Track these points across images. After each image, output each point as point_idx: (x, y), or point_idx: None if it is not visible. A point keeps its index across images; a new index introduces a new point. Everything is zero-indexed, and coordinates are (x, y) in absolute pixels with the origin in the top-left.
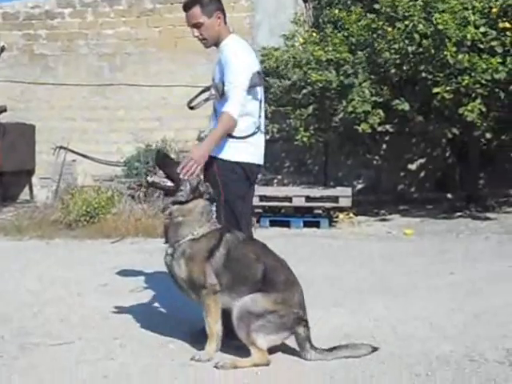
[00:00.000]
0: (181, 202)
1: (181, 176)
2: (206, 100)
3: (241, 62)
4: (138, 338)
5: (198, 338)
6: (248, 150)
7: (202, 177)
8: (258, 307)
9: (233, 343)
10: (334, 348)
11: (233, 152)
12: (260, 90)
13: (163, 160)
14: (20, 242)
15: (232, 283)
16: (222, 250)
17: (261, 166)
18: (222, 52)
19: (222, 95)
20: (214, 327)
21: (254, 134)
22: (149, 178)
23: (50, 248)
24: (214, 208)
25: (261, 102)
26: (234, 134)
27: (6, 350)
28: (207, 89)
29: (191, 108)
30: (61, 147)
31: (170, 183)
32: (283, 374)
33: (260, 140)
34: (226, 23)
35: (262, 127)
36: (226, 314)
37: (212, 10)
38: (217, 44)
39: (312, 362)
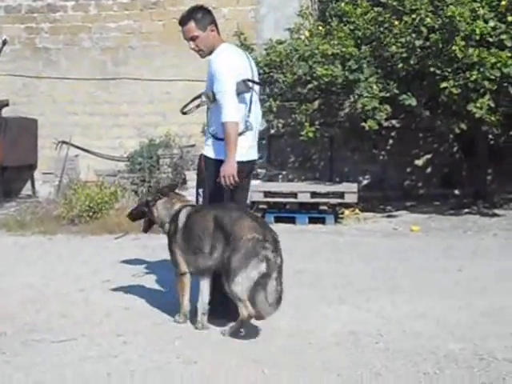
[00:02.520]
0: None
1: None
2: (198, 106)
3: (227, 70)
4: (143, 334)
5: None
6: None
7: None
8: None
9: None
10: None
11: (217, 151)
12: (248, 95)
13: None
14: (22, 237)
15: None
16: (182, 217)
17: (251, 161)
18: (211, 63)
19: (213, 101)
20: (185, 301)
21: (242, 133)
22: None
23: (53, 243)
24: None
25: (251, 103)
26: (218, 135)
27: (9, 346)
28: (199, 96)
29: (184, 113)
30: (63, 142)
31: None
32: (289, 373)
33: (249, 138)
34: (219, 34)
35: (253, 125)
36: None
37: (206, 24)
38: (211, 54)
39: (318, 363)
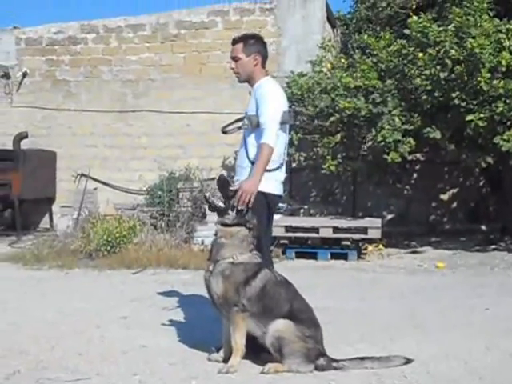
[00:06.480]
0: (226, 225)
1: (238, 207)
2: (239, 128)
3: (276, 99)
4: (159, 373)
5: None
6: (273, 182)
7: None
8: (290, 333)
9: (261, 356)
10: (363, 358)
11: (268, 184)
12: (287, 129)
13: (223, 183)
14: (39, 271)
15: (261, 313)
16: (259, 282)
17: (281, 196)
18: (258, 89)
19: (255, 126)
20: (240, 342)
21: (279, 167)
22: (206, 194)
23: (70, 278)
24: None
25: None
26: (269, 167)
27: None
28: (241, 119)
29: (224, 132)
30: (82, 175)
31: (220, 204)
32: None
33: (283, 172)
34: (264, 67)
35: (285, 159)
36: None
37: (252, 51)
38: (249, 82)
39: None
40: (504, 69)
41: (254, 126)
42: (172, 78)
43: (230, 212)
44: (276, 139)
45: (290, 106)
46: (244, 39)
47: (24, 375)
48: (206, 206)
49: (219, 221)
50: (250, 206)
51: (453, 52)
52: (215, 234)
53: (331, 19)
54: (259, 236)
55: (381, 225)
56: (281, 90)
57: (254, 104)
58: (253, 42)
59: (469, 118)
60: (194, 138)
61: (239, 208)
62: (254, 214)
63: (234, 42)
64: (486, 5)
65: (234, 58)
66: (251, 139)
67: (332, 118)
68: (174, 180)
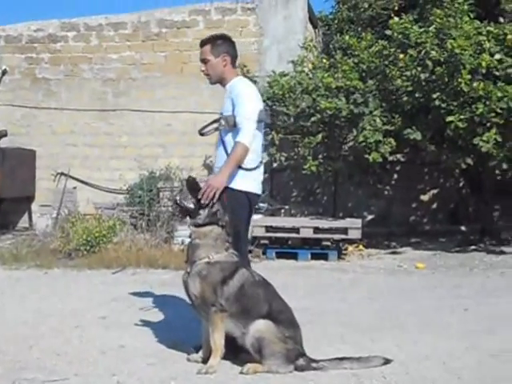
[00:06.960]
0: (199, 225)
1: (201, 201)
2: (216, 129)
3: (252, 99)
4: (138, 374)
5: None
6: (251, 181)
7: (219, 204)
8: (271, 334)
9: (241, 356)
10: (342, 358)
11: (241, 182)
12: (262, 128)
13: (191, 184)
14: (17, 271)
15: (239, 314)
16: (236, 281)
17: (260, 195)
18: (233, 89)
19: (232, 126)
20: (219, 342)
21: (258, 166)
22: (177, 197)
23: (49, 278)
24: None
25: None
26: (243, 165)
27: None
28: (218, 120)
29: (201, 134)
30: (62, 173)
31: (191, 205)
32: None
33: (261, 171)
34: (234, 66)
35: (263, 158)
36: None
37: (220, 52)
38: (221, 82)
39: None
40: (484, 71)
41: (230, 126)
42: (153, 77)
43: (201, 212)
44: (252, 139)
45: (270, 106)
46: (211, 40)
47: (1, 376)
48: (177, 211)
49: (192, 222)
50: (214, 201)
51: (433, 53)
52: (190, 236)
53: (313, 19)
54: (239, 234)
55: (361, 225)
56: (255, 89)
57: (230, 104)
58: (220, 43)
59: (449, 119)
60: (174, 137)
61: (202, 202)
62: (233, 212)
63: (202, 44)
64: (466, 7)
65: (204, 60)
66: (229, 139)
67: (313, 119)
68: (154, 179)
